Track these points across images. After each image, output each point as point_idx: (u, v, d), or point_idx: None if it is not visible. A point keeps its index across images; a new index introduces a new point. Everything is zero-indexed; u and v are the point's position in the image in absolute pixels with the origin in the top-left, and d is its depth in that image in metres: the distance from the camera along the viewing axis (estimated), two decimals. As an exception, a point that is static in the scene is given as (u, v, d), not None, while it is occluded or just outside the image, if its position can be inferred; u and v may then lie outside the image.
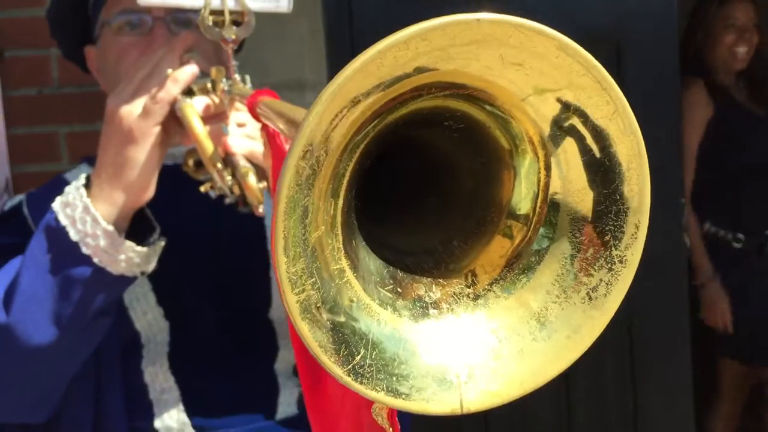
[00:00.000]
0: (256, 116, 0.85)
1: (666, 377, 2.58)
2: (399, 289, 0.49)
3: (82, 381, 1.16)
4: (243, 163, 1.00)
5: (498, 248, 0.52)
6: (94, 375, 1.18)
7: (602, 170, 0.47)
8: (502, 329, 0.49)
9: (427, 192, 0.57)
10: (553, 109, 0.46)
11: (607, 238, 0.48)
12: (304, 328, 0.42)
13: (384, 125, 0.46)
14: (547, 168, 0.47)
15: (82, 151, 2.17)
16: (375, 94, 0.42)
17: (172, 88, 1.05)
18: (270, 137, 0.82)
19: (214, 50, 1.24)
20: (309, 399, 0.70)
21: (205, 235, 1.27)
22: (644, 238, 0.49)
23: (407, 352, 0.46)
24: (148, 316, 1.22)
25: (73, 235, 1.03)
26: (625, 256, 0.48)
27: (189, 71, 1.07)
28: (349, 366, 0.43)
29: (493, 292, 0.50)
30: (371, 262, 0.49)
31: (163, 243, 1.11)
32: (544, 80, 0.46)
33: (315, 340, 0.43)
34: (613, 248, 0.48)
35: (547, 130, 0.46)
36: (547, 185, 0.48)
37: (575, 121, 0.46)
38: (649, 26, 2.45)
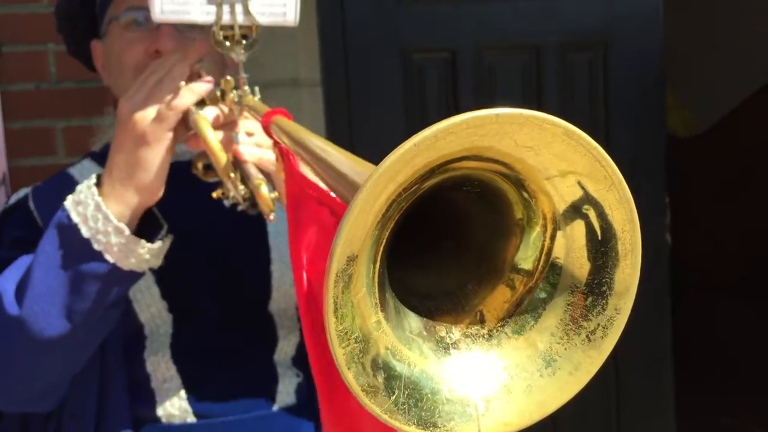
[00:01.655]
0: (270, 134, 0.91)
1: (649, 398, 2.69)
2: (424, 333, 0.57)
3: (87, 371, 1.21)
4: (254, 171, 1.06)
5: (502, 295, 0.60)
6: (99, 365, 1.24)
7: (601, 252, 0.55)
8: (513, 367, 0.57)
9: (444, 239, 0.64)
10: (573, 193, 0.53)
11: (603, 288, 0.57)
12: (350, 376, 0.50)
13: (416, 195, 0.53)
14: (552, 238, 0.55)
15: (78, 145, 2.22)
16: (408, 180, 0.50)
17: (187, 98, 1.10)
18: (283, 154, 0.88)
19: (220, 60, 1.29)
20: (327, 403, 0.76)
21: (207, 230, 1.32)
22: (636, 282, 0.57)
23: (434, 388, 0.54)
24: (151, 309, 1.27)
25: (85, 232, 1.08)
26: (619, 305, 0.56)
27: (205, 86, 1.12)
28: (387, 405, 0.51)
29: (505, 333, 0.58)
30: (400, 311, 0.56)
31: (170, 239, 1.16)
32: (563, 164, 0.53)
33: (358, 385, 0.50)
34: (609, 297, 0.57)
35: (561, 210, 0.54)
36: (550, 251, 0.56)
37: (589, 209, 0.54)
38: (635, 29, 2.52)
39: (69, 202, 1.11)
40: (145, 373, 1.28)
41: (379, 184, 0.47)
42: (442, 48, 2.50)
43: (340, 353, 0.50)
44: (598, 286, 0.56)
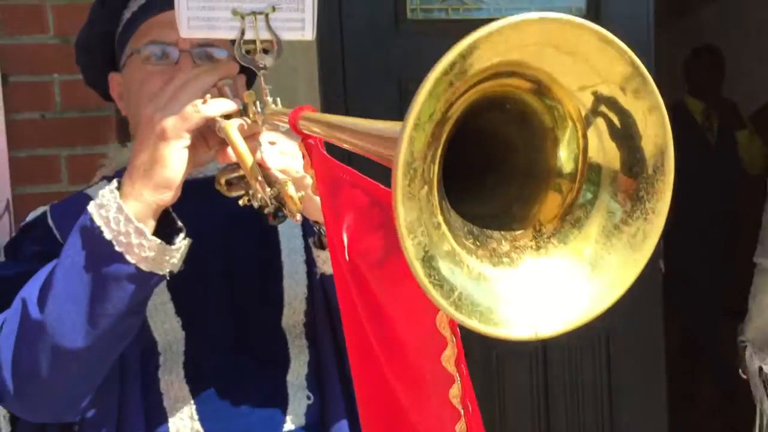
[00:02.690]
0: (298, 131, 0.94)
1: (641, 389, 2.71)
2: (477, 242, 0.60)
3: (107, 385, 1.20)
4: (279, 175, 1.08)
5: (552, 204, 0.63)
6: (118, 381, 1.23)
7: (626, 137, 0.59)
8: (563, 272, 0.60)
9: (487, 165, 0.67)
10: (590, 99, 0.58)
11: (641, 194, 0.60)
12: (418, 267, 0.53)
13: (467, 102, 0.57)
14: (584, 136, 0.59)
15: (82, 173, 2.24)
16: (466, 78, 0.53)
17: (214, 108, 1.12)
18: (311, 148, 0.92)
19: (239, 80, 1.34)
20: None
21: (221, 246, 1.34)
22: (671, 191, 0.60)
23: (491, 290, 0.57)
24: (165, 326, 1.28)
25: (107, 234, 1.08)
26: (656, 207, 0.60)
27: (231, 105, 1.14)
28: (451, 299, 0.54)
29: (552, 243, 0.61)
30: (456, 219, 0.59)
31: (189, 242, 1.17)
32: (586, 73, 0.57)
33: (426, 276, 0.53)
34: (646, 201, 0.60)
35: (584, 111, 0.58)
36: (585, 149, 0.60)
37: (605, 107, 0.58)
38: (624, 7, 2.61)
39: (92, 205, 1.12)
40: (158, 391, 1.28)
41: (435, 85, 0.51)
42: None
43: (409, 244, 0.52)
44: (635, 191, 0.59)
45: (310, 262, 1.36)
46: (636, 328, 2.67)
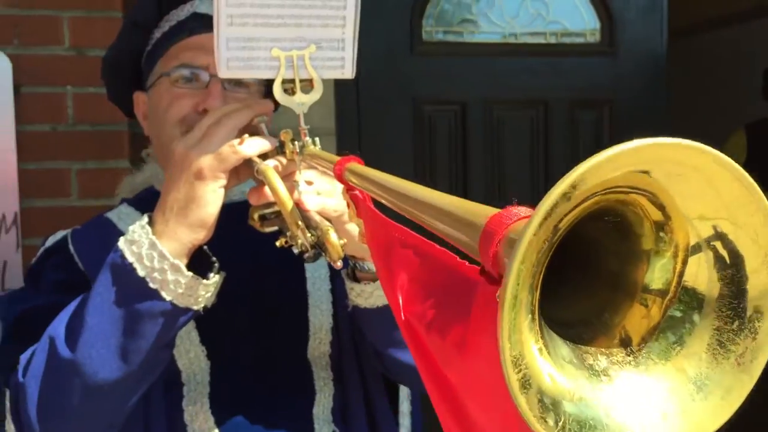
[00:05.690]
0: (344, 181, 0.92)
1: None
2: (575, 361, 0.57)
3: (132, 417, 1.18)
4: (318, 218, 1.06)
5: (639, 313, 0.60)
6: (142, 412, 1.21)
7: (732, 276, 0.57)
8: (665, 392, 0.57)
9: (577, 269, 0.65)
10: (707, 231, 0.55)
11: (750, 313, 0.58)
12: (523, 403, 0.50)
13: (571, 222, 0.54)
14: (684, 263, 0.57)
15: (92, 188, 2.20)
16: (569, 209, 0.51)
17: (252, 147, 1.10)
18: (358, 201, 0.89)
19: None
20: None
21: (247, 275, 1.31)
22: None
23: (594, 416, 0.54)
24: (190, 355, 1.26)
25: (140, 271, 1.06)
26: (765, 326, 0.58)
27: (268, 145, 1.12)
28: (556, 431, 0.51)
29: (652, 359, 0.59)
30: (553, 338, 0.57)
31: (223, 276, 1.15)
32: (706, 203, 0.55)
33: (530, 410, 0.51)
34: (756, 320, 0.58)
35: (695, 240, 0.56)
36: (681, 273, 0.58)
37: (719, 243, 0.56)
38: (639, 88, 2.61)
39: (122, 242, 1.09)
40: (182, 422, 1.25)
41: (550, 209, 0.49)
42: (452, 100, 2.55)
43: (513, 379, 0.50)
44: (742, 310, 0.57)
45: (336, 291, 1.34)
46: None
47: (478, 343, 0.60)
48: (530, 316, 0.53)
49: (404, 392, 1.45)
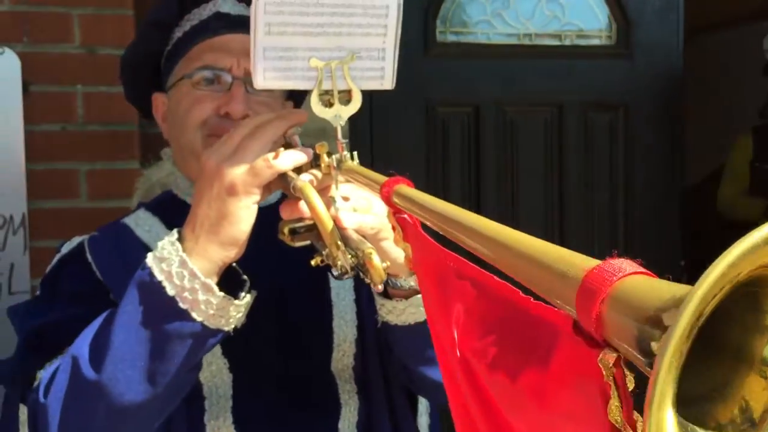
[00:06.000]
0: (391, 204, 0.88)
1: None
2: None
3: None
4: (356, 237, 1.02)
5: (758, 384, 0.57)
6: (163, 427, 1.18)
7: None
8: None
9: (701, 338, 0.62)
10: None
11: None
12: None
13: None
14: None
15: (101, 189, 2.16)
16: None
17: (288, 161, 1.05)
18: (407, 225, 0.85)
19: (288, 107, 1.28)
20: None
21: (271, 285, 1.26)
22: None
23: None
24: (212, 367, 1.22)
25: (170, 290, 1.02)
26: None
27: (304, 158, 1.08)
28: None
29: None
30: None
31: (254, 295, 1.11)
32: None
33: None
34: None
35: None
36: None
37: None
38: (655, 89, 2.58)
39: (151, 259, 1.04)
40: None
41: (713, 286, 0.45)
42: (465, 102, 2.52)
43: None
44: None
45: (360, 302, 1.31)
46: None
47: (560, 397, 0.57)
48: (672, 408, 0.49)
49: (423, 405, 1.43)
